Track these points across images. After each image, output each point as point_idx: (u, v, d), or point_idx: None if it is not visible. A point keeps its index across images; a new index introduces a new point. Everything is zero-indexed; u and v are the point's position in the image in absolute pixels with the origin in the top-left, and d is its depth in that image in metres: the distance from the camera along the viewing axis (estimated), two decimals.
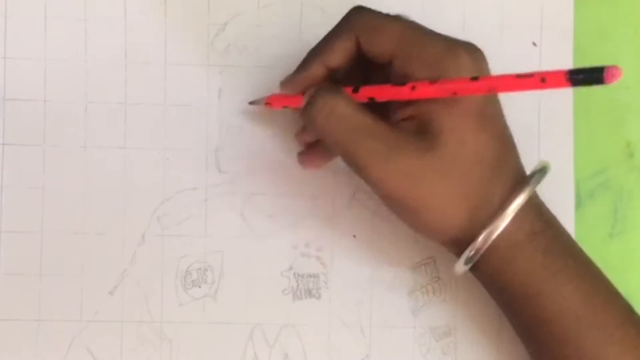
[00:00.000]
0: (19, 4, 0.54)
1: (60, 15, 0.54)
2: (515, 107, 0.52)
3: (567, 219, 0.54)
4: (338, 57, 0.49)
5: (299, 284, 0.54)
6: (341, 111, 0.47)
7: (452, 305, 0.55)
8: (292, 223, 0.54)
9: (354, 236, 0.55)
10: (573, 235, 0.54)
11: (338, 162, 0.54)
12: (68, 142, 0.54)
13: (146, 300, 0.54)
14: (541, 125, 0.55)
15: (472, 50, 0.48)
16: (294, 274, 0.54)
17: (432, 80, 0.46)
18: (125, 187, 0.54)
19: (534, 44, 0.55)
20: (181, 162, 0.54)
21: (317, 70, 0.49)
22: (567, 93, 0.55)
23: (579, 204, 0.55)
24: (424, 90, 0.46)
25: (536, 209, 0.48)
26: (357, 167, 0.47)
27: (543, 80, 0.42)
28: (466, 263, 0.48)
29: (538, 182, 0.48)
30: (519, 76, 0.43)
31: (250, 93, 0.54)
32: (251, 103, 0.53)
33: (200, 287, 0.54)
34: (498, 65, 0.55)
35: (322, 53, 0.49)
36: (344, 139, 0.47)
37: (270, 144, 0.54)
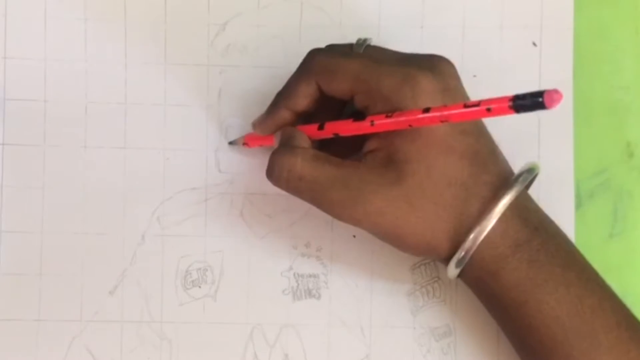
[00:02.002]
0: (19, 4, 0.54)
1: (60, 15, 0.54)
2: None
3: (567, 219, 0.54)
4: (302, 101, 0.50)
5: (299, 284, 0.54)
6: (298, 171, 0.48)
7: (452, 306, 0.55)
8: (292, 223, 0.54)
9: (354, 236, 0.55)
10: (573, 236, 0.54)
11: None
12: (68, 142, 0.54)
13: (146, 300, 0.54)
14: (541, 126, 0.55)
15: (434, 72, 0.48)
16: (294, 274, 0.54)
17: (389, 114, 0.47)
18: (125, 187, 0.54)
19: (534, 44, 0.55)
20: (181, 162, 0.54)
21: (284, 114, 0.51)
22: (567, 93, 0.55)
23: (579, 204, 0.55)
24: (382, 124, 0.47)
25: (523, 215, 0.48)
26: (329, 214, 0.49)
27: (489, 109, 0.43)
28: (457, 266, 0.48)
29: (524, 183, 0.48)
30: (467, 105, 0.44)
31: (251, 93, 0.54)
32: (230, 143, 0.54)
33: (200, 287, 0.54)
34: (498, 65, 0.55)
35: (287, 98, 0.51)
36: (308, 195, 0.49)
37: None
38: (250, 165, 0.54)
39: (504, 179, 0.48)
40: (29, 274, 0.54)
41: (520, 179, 0.48)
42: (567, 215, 0.54)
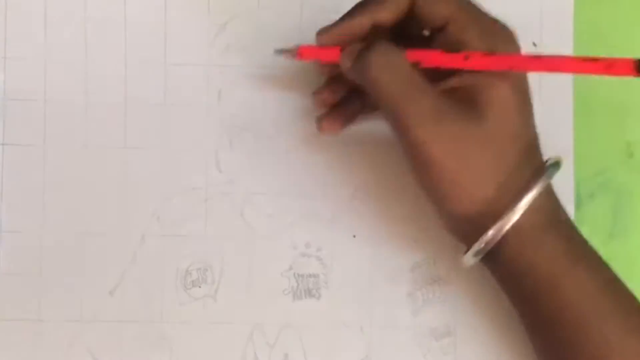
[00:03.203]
0: (19, 4, 0.54)
1: (60, 15, 0.54)
2: None
3: None
4: (389, 12, 0.48)
5: (299, 284, 0.54)
6: (398, 64, 0.46)
7: (452, 306, 0.55)
8: (292, 223, 0.55)
9: (354, 236, 0.55)
10: None
11: (338, 161, 0.54)
12: (68, 142, 0.54)
13: (146, 300, 0.54)
14: (541, 125, 0.55)
15: (516, 36, 0.48)
16: (294, 274, 0.54)
17: (488, 52, 0.47)
18: (125, 187, 0.54)
19: (534, 44, 0.55)
20: (181, 162, 0.54)
21: (363, 23, 0.48)
22: (567, 93, 0.55)
23: (579, 204, 0.55)
24: (478, 61, 0.46)
25: (557, 199, 0.49)
26: (403, 125, 0.46)
27: (609, 66, 0.42)
28: (485, 246, 0.47)
29: (554, 172, 0.49)
30: (585, 60, 0.43)
31: (251, 93, 0.54)
32: (278, 52, 0.50)
33: (200, 287, 0.54)
34: None
35: (372, 5, 0.48)
36: (398, 93, 0.46)
37: (271, 144, 0.54)
38: (250, 165, 0.54)
39: (541, 164, 0.49)
40: (29, 274, 0.54)
41: (552, 167, 0.49)
42: None
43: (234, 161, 0.55)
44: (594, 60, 0.43)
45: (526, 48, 0.55)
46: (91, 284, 0.54)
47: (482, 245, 0.48)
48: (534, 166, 0.48)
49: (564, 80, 0.55)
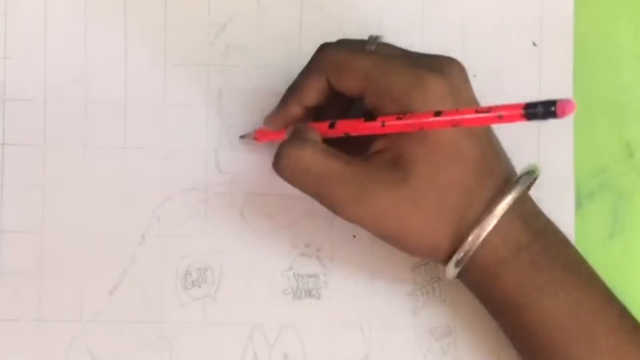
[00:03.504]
0: (19, 4, 0.54)
1: (60, 15, 0.54)
2: None
3: (567, 219, 0.54)
4: (312, 96, 0.50)
5: (299, 284, 0.54)
6: (306, 163, 0.48)
7: (452, 306, 0.55)
8: (292, 223, 0.54)
9: (354, 236, 0.54)
10: (573, 236, 0.54)
11: None
12: (68, 142, 0.54)
13: (146, 300, 0.54)
14: (541, 126, 0.55)
15: (444, 73, 0.47)
16: (294, 274, 0.54)
17: (400, 116, 0.47)
18: (125, 187, 0.54)
19: (534, 44, 0.55)
20: (181, 162, 0.54)
21: (295, 109, 0.51)
22: (567, 93, 0.55)
23: (579, 204, 0.55)
24: (393, 126, 0.47)
25: (524, 218, 0.48)
26: (332, 210, 0.49)
27: (500, 116, 0.43)
28: (456, 265, 0.48)
29: (524, 185, 0.48)
30: (478, 111, 0.44)
31: (251, 93, 0.54)
32: (241, 137, 0.54)
33: (200, 287, 0.54)
34: (498, 65, 0.55)
35: (297, 93, 0.50)
36: (313, 189, 0.48)
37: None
38: (251, 165, 0.54)
39: (506, 182, 0.48)
40: (29, 274, 0.54)
41: (521, 181, 0.48)
42: (567, 215, 0.54)
43: (234, 161, 0.54)
44: (487, 110, 0.43)
45: (526, 48, 0.55)
46: (91, 284, 0.54)
47: (448, 278, 0.49)
48: (497, 186, 0.48)
49: (563, 81, 0.55)
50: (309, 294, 0.54)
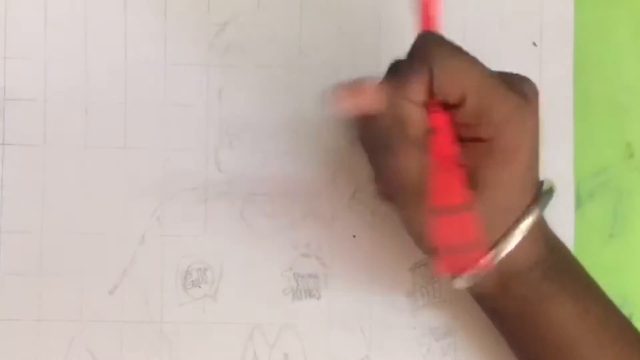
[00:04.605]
0: (19, 4, 0.54)
1: (60, 15, 0.54)
2: None
3: (567, 219, 0.54)
4: (420, 92, 0.45)
5: (299, 284, 0.54)
6: (407, 159, 0.45)
7: (452, 306, 0.55)
8: (292, 223, 0.54)
9: (354, 236, 0.54)
10: (573, 236, 0.54)
11: (338, 161, 0.54)
12: (68, 142, 0.54)
13: (146, 300, 0.54)
14: (541, 125, 0.55)
15: (532, 104, 0.46)
16: (294, 274, 0.54)
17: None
18: (125, 187, 0.54)
19: (534, 44, 0.55)
20: (181, 162, 0.54)
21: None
22: (567, 93, 0.55)
23: (579, 204, 0.55)
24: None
25: (544, 235, 0.48)
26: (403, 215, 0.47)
27: None
28: (467, 282, 0.48)
29: (546, 204, 0.48)
30: None
31: (250, 93, 0.54)
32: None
33: (200, 287, 0.54)
34: (498, 65, 0.55)
35: (403, 91, 0.45)
36: (401, 184, 0.46)
37: (271, 144, 0.54)
38: (251, 165, 0.54)
39: (532, 199, 0.47)
40: (29, 274, 0.54)
41: (547, 198, 0.48)
42: (567, 215, 0.54)
43: (234, 161, 0.54)
44: None
45: (526, 48, 0.55)
46: (91, 284, 0.54)
47: (462, 282, 0.48)
48: (526, 203, 0.47)
49: (563, 81, 0.55)
50: (309, 294, 0.54)
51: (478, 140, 0.45)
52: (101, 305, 0.54)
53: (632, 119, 0.56)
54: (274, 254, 0.54)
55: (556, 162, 0.55)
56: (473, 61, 0.45)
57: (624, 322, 0.49)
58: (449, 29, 0.55)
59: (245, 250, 0.54)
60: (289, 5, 0.55)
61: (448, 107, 0.45)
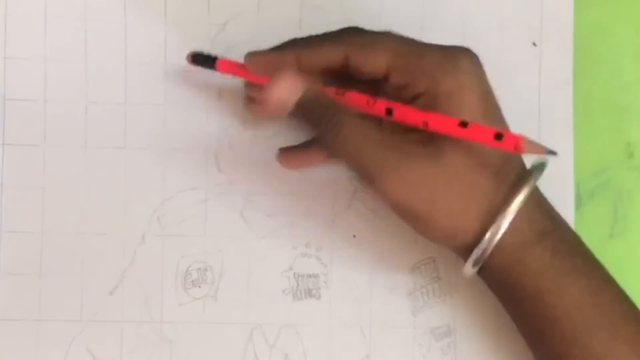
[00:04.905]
0: (19, 4, 0.54)
1: (60, 15, 0.54)
2: (516, 106, 0.52)
3: (567, 219, 0.54)
4: (320, 62, 0.49)
5: (299, 284, 0.54)
6: (351, 126, 0.47)
7: (452, 306, 0.55)
8: (292, 223, 0.54)
9: (354, 236, 0.55)
10: None
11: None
12: (68, 142, 0.54)
13: (146, 300, 0.54)
14: (541, 126, 0.55)
15: (470, 54, 0.48)
16: (294, 274, 0.54)
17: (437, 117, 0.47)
18: (125, 187, 0.54)
19: (534, 44, 0.56)
20: (181, 162, 0.54)
21: (291, 61, 0.49)
22: (567, 93, 0.55)
23: (579, 204, 0.55)
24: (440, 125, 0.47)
25: (542, 207, 0.49)
26: (368, 177, 0.48)
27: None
28: (474, 265, 0.48)
29: (537, 177, 0.48)
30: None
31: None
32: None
33: (200, 287, 0.54)
34: (498, 65, 0.55)
35: (307, 49, 0.49)
36: (355, 151, 0.47)
37: (270, 144, 0.54)
38: (251, 165, 0.54)
39: (522, 173, 0.48)
40: (29, 274, 0.54)
41: (535, 171, 0.48)
42: (567, 215, 0.54)
43: (234, 161, 0.54)
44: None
45: (526, 48, 0.55)
46: (91, 284, 0.54)
47: (471, 264, 0.48)
48: (516, 176, 0.48)
49: (563, 81, 0.55)
50: (309, 294, 0.54)
51: (421, 95, 0.47)
52: (101, 305, 0.54)
53: (632, 119, 0.56)
54: (274, 254, 0.54)
55: (556, 162, 0.55)
56: (388, 34, 0.49)
57: (633, 304, 0.49)
58: (449, 29, 0.55)
59: (245, 250, 0.54)
60: (289, 5, 0.55)
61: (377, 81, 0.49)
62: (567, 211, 0.54)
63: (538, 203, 0.48)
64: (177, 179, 0.54)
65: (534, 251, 0.48)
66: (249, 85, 0.52)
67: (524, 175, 0.48)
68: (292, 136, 0.54)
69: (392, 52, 0.48)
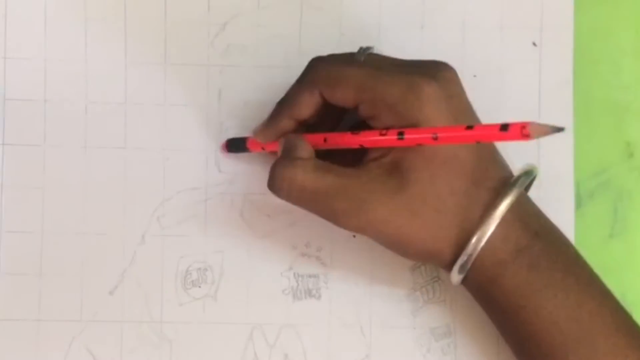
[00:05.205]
0: (19, 4, 0.54)
1: (60, 15, 0.54)
2: (516, 107, 0.52)
3: (567, 219, 0.54)
4: (305, 110, 0.50)
5: (299, 284, 0.54)
6: (300, 182, 0.48)
7: (452, 306, 0.55)
8: (292, 223, 0.54)
9: (354, 236, 0.54)
10: (573, 236, 0.54)
11: None
12: (68, 142, 0.54)
13: (146, 300, 0.54)
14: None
15: (437, 79, 0.48)
16: (294, 274, 0.54)
17: (400, 131, 0.46)
18: (125, 187, 0.54)
19: (534, 44, 0.55)
20: (181, 162, 0.54)
21: (286, 122, 0.51)
22: (567, 93, 0.55)
23: (579, 204, 0.55)
24: (392, 141, 0.47)
25: (524, 220, 0.48)
26: (333, 223, 0.49)
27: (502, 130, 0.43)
28: (460, 272, 0.48)
29: (522, 186, 0.48)
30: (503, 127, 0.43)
31: (250, 93, 0.54)
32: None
33: (200, 287, 0.54)
34: (498, 65, 0.55)
35: (289, 106, 0.50)
36: (310, 205, 0.49)
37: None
38: (250, 165, 0.54)
39: (504, 183, 0.48)
40: (29, 274, 0.54)
41: (519, 182, 0.48)
42: (567, 215, 0.54)
43: (234, 161, 0.54)
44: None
45: (526, 48, 0.55)
46: (91, 284, 0.54)
47: (454, 280, 0.49)
48: (495, 189, 0.48)
49: (563, 81, 0.55)
50: (309, 294, 0.54)
51: (391, 126, 0.47)
52: (101, 305, 0.54)
53: (632, 119, 0.56)
54: (274, 254, 0.54)
55: (556, 162, 0.55)
56: (354, 65, 0.49)
57: (620, 315, 0.49)
58: (449, 29, 0.55)
59: (245, 250, 0.54)
60: (289, 5, 0.55)
61: (353, 109, 0.49)
62: (567, 211, 0.54)
63: (518, 215, 0.48)
64: (177, 179, 0.54)
65: (509, 269, 0.48)
66: None
67: (503, 189, 0.48)
68: None
69: (356, 86, 0.48)
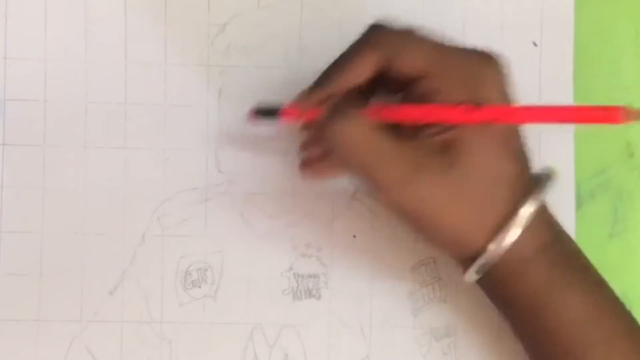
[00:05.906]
0: (19, 4, 0.54)
1: (60, 15, 0.54)
2: None
3: (567, 219, 0.54)
4: (360, 75, 0.48)
5: (299, 284, 0.54)
6: (359, 136, 0.46)
7: (452, 306, 0.55)
8: (292, 223, 0.54)
9: (354, 236, 0.54)
10: (573, 236, 0.54)
11: None
12: (68, 142, 0.54)
13: (146, 300, 0.54)
14: (542, 126, 0.55)
15: (499, 63, 0.48)
16: (294, 274, 0.54)
17: (473, 106, 0.46)
18: (125, 187, 0.54)
19: (534, 44, 0.56)
20: (181, 162, 0.54)
21: (336, 88, 0.48)
22: (567, 93, 0.55)
23: (579, 204, 0.55)
24: (463, 116, 0.46)
25: (547, 220, 0.48)
26: (376, 190, 0.47)
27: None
28: (478, 272, 0.48)
29: (547, 191, 0.48)
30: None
31: (251, 93, 0.54)
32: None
33: (200, 287, 0.54)
34: None
35: (343, 70, 0.48)
36: (363, 163, 0.46)
37: (270, 144, 0.54)
38: (251, 165, 0.54)
39: (531, 187, 0.48)
40: (29, 274, 0.54)
41: (548, 183, 0.48)
42: (567, 215, 0.54)
43: (234, 161, 0.54)
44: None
45: (526, 48, 0.55)
46: (91, 284, 0.54)
47: (472, 275, 0.48)
48: (523, 191, 0.47)
49: (563, 81, 0.55)
50: (309, 294, 0.54)
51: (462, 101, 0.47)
52: (101, 305, 0.54)
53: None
54: (274, 254, 0.54)
55: (557, 162, 0.55)
56: (419, 35, 0.47)
57: (631, 318, 0.49)
58: (449, 29, 0.55)
59: (245, 250, 0.54)
60: (289, 5, 0.55)
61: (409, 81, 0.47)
62: (567, 211, 0.54)
63: (541, 215, 0.48)
64: (177, 179, 0.54)
65: (533, 265, 0.47)
66: (305, 146, 0.51)
67: (532, 189, 0.48)
68: (293, 137, 0.54)
69: (427, 55, 0.47)
